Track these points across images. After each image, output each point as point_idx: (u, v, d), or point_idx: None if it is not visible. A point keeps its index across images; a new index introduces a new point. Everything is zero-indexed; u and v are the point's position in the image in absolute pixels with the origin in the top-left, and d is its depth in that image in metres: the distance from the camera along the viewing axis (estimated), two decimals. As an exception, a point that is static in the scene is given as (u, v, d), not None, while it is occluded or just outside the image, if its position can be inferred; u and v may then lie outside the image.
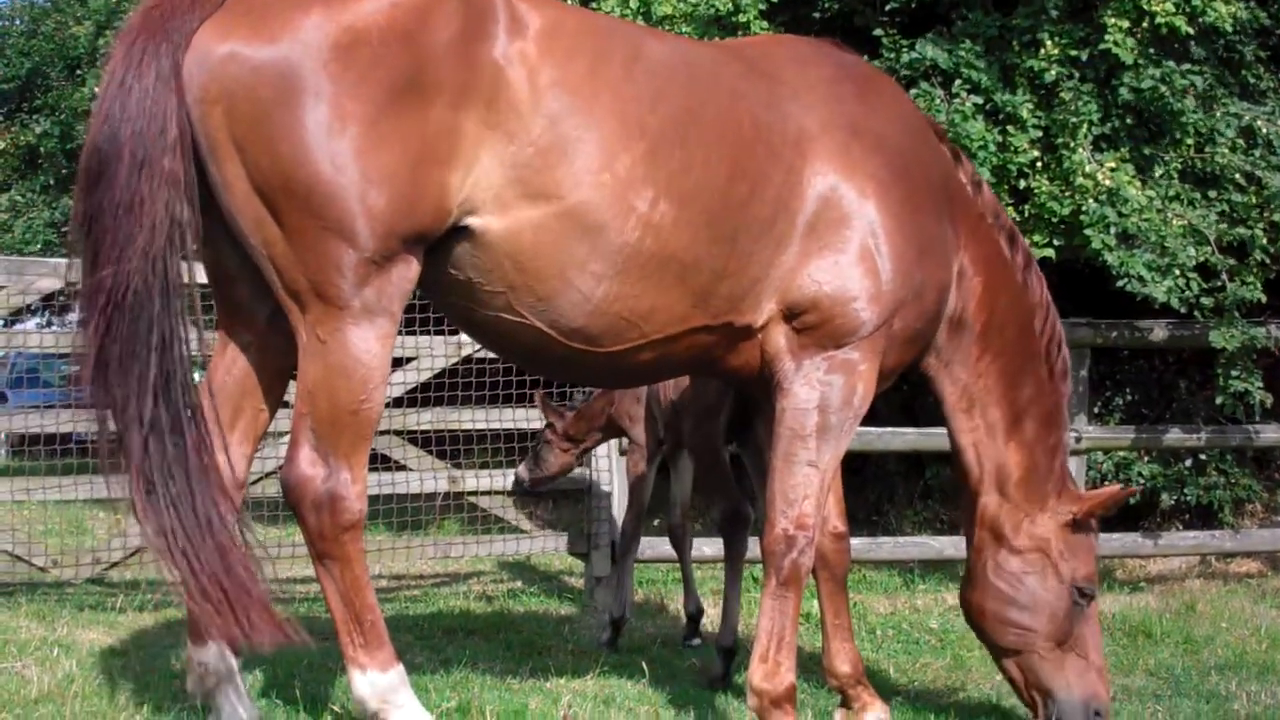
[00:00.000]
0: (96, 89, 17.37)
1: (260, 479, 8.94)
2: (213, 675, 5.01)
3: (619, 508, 9.46)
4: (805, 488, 5.16)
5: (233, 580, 4.48)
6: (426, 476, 9.60)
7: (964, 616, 6.00)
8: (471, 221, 4.65)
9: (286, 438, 8.69)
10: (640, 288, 4.90)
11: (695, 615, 7.86)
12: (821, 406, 5.18)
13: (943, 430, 9.68)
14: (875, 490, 12.81)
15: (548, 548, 9.90)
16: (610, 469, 9.53)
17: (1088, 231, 9.22)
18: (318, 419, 4.59)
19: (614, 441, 9.37)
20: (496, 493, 9.79)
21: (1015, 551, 5.73)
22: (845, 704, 5.87)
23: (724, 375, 5.58)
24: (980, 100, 9.57)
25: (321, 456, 4.60)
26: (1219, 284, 9.54)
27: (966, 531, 5.94)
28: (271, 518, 10.40)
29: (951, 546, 10.06)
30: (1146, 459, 11.68)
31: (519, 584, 10.47)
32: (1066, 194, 9.40)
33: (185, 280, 4.59)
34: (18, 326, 15.18)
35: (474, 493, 9.81)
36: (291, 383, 4.94)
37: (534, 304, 4.82)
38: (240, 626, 4.47)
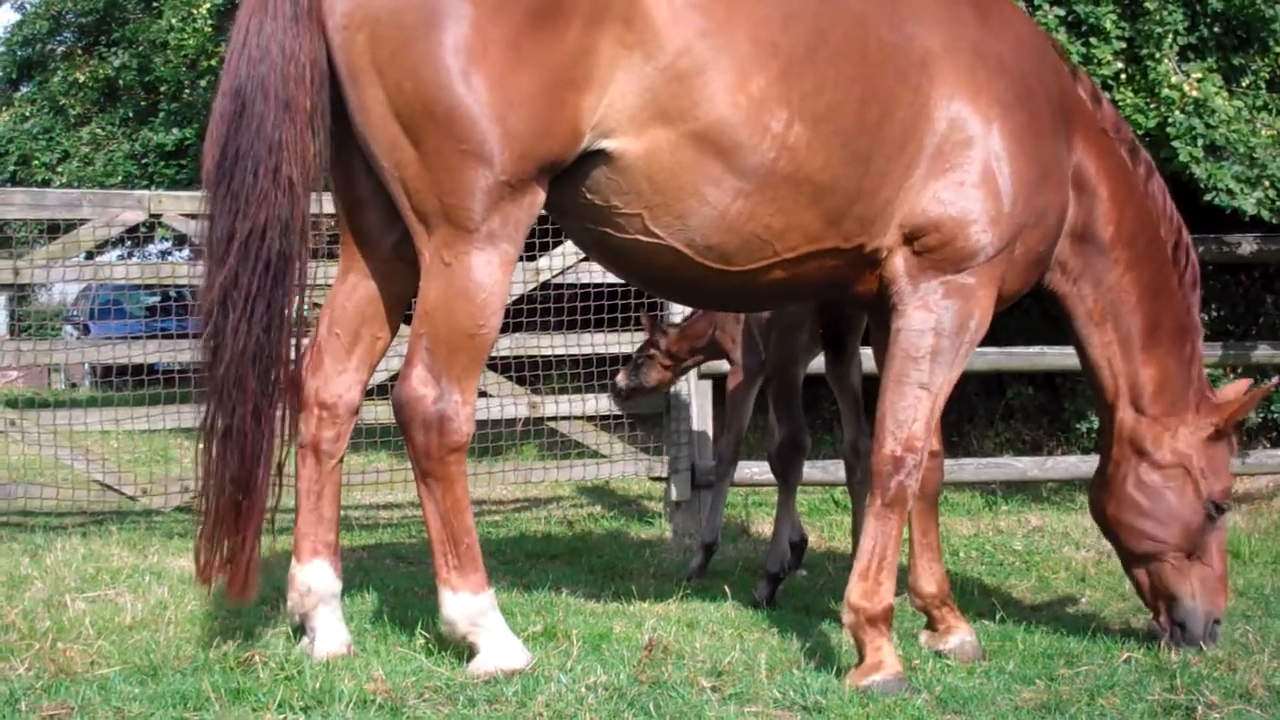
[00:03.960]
0: (174, 21, 17.23)
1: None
2: (314, 595, 5.12)
3: (698, 432, 9.45)
4: (916, 409, 5.17)
5: (240, 538, 4.75)
6: (506, 402, 9.64)
7: (1094, 519, 6.12)
8: (608, 144, 4.74)
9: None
10: (775, 206, 4.96)
11: (800, 543, 7.78)
12: (936, 329, 5.19)
13: (1023, 349, 9.69)
14: (956, 411, 12.71)
15: (627, 472, 9.91)
16: (690, 393, 9.51)
17: (1175, 144, 9.03)
18: (435, 340, 4.69)
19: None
20: (575, 418, 9.80)
21: (1156, 466, 5.81)
22: (930, 625, 5.84)
23: (850, 298, 5.61)
24: (1062, 12, 9.35)
25: (434, 377, 4.69)
26: (1310, 195, 9.33)
27: (1103, 443, 6.02)
28: (353, 445, 10.51)
29: (1035, 467, 9.98)
30: (1233, 375, 11.49)
31: (599, 509, 10.51)
32: (1152, 106, 9.21)
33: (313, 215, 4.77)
34: (101, 258, 15.36)
35: (553, 418, 9.83)
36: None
37: (671, 223, 4.90)
38: (225, 576, 4.78)
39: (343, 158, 4.90)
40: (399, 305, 5.19)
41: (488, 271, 4.66)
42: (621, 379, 8.86)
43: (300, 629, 5.20)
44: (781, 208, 4.97)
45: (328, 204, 5.29)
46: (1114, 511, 5.86)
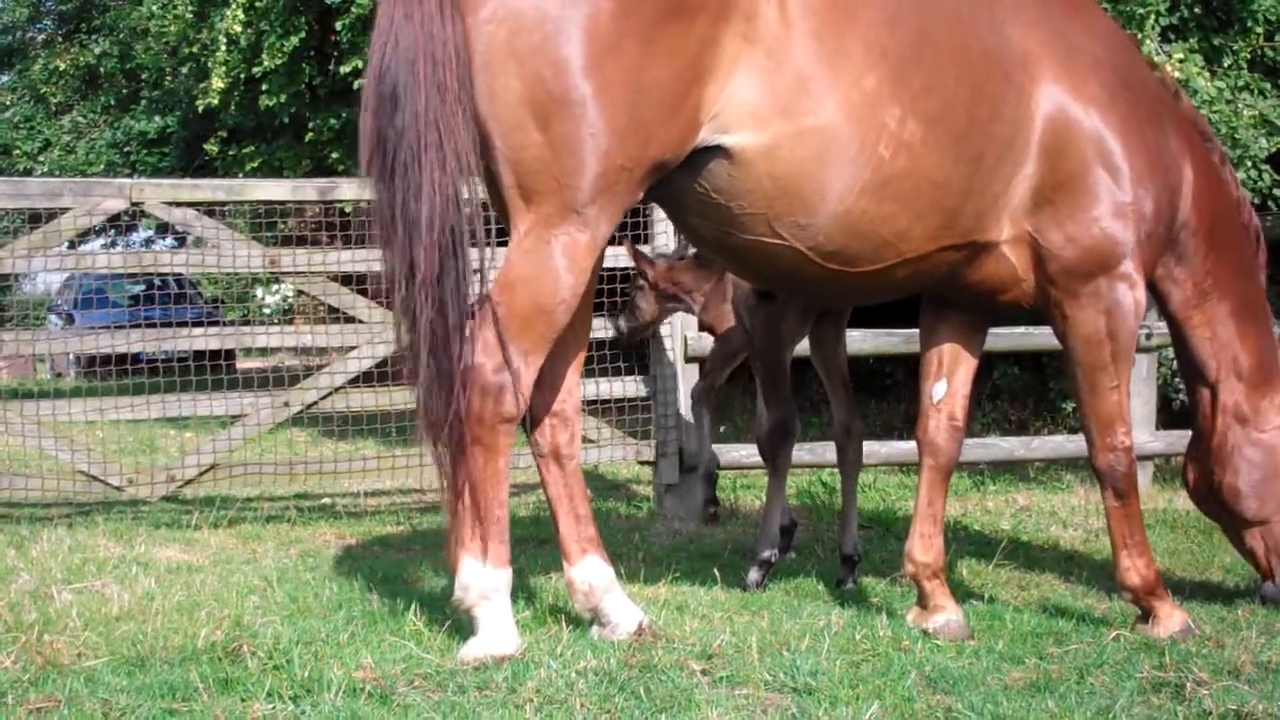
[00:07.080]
0: (155, 8, 17.08)
1: (329, 394, 8.98)
2: (597, 590, 5.35)
3: (686, 414, 9.44)
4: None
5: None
6: (493, 388, 9.58)
7: (1198, 500, 6.46)
8: (728, 139, 4.98)
9: (351, 358, 8.74)
10: (895, 206, 5.22)
11: (789, 527, 7.75)
12: (1110, 333, 5.62)
13: (1010, 330, 9.68)
14: (943, 391, 12.71)
15: (615, 457, 9.88)
16: (677, 376, 9.50)
17: (1157, 124, 9.04)
18: (512, 311, 4.87)
19: (679, 349, 9.35)
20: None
21: (1262, 431, 6.16)
22: (920, 602, 5.81)
23: (963, 290, 5.81)
24: (1045, -8, 9.36)
25: (502, 347, 4.84)
26: (1291, 175, 9.36)
27: (1201, 421, 6.31)
28: (341, 433, 10.51)
29: (1021, 447, 9.99)
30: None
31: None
32: (1135, 86, 9.22)
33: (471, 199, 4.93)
34: (84, 247, 15.31)
35: (540, 403, 9.79)
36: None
37: (793, 225, 5.16)
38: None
39: None
40: (590, 298, 5.42)
41: (579, 253, 4.88)
42: (621, 322, 9.01)
43: (591, 621, 5.40)
44: (902, 208, 5.23)
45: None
46: (1230, 481, 6.16)
